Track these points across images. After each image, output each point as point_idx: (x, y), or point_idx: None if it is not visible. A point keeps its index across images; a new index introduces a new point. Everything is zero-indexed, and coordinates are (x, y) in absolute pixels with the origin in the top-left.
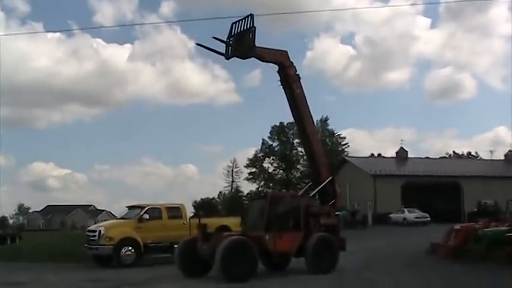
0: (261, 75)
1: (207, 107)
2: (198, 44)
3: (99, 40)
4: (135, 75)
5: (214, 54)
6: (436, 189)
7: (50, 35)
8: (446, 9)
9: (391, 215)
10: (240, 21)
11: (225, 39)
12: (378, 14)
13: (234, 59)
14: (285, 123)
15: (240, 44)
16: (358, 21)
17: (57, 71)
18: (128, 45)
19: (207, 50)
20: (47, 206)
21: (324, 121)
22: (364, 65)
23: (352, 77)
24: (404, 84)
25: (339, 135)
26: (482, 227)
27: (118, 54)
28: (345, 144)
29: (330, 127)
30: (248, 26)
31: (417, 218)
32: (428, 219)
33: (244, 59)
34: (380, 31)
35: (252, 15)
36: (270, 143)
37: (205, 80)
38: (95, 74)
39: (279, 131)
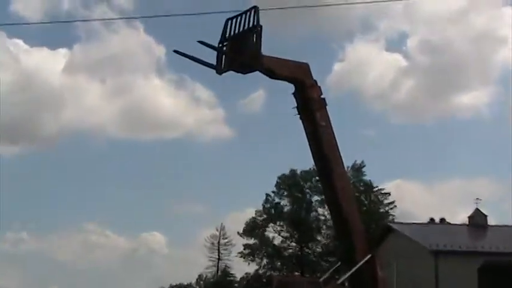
0: (264, 98)
1: (183, 144)
2: (176, 52)
3: (19, 42)
4: (74, 95)
5: (199, 66)
6: None
7: None
8: None
9: None
10: (239, 18)
11: (217, 45)
12: (443, 6)
13: (229, 73)
14: (299, 172)
15: (239, 51)
16: (413, 18)
17: None
18: (63, 50)
19: (187, 61)
20: None
21: (358, 168)
22: (420, 83)
23: (401, 101)
24: (482, 112)
25: (380, 189)
26: None
27: (48, 63)
28: (389, 204)
29: (366, 177)
30: (251, 25)
31: None
32: None
33: (244, 73)
34: (446, 32)
35: (256, 9)
36: (277, 200)
37: (180, 104)
38: (13, 92)
39: (289, 182)
